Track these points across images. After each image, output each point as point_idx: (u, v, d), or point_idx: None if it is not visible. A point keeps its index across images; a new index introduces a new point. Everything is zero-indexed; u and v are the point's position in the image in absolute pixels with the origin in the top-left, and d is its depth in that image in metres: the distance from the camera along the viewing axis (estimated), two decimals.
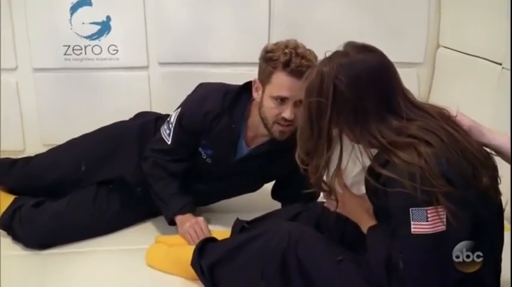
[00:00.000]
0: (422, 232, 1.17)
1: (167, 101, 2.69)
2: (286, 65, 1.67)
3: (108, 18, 2.61)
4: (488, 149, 1.32)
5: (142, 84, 2.73)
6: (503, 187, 1.31)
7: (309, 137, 1.32)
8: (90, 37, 2.62)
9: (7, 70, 2.62)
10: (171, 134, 1.88)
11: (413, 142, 1.20)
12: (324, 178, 1.37)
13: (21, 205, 1.94)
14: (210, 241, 1.68)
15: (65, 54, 2.62)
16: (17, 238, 1.90)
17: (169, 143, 1.88)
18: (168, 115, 2.06)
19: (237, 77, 2.65)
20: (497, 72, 2.19)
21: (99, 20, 2.61)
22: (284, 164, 1.88)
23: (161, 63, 2.72)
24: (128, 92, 2.72)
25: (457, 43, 2.56)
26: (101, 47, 2.64)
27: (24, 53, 2.61)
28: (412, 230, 1.18)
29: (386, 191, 1.21)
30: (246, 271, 1.51)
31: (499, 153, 1.35)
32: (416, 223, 1.18)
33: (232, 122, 1.85)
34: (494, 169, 1.28)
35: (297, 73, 1.66)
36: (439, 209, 1.16)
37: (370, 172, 1.26)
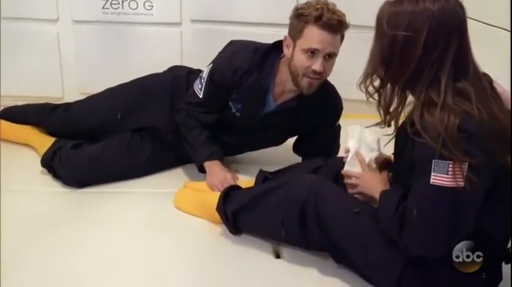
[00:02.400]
0: (441, 183, 1.17)
1: (198, 57, 2.69)
2: (318, 19, 1.67)
3: None
4: None
5: (175, 40, 2.72)
6: None
7: (388, 68, 1.27)
8: None
9: (49, 21, 2.65)
10: (203, 88, 1.88)
11: (458, 109, 1.17)
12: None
13: (61, 146, 1.98)
14: (235, 188, 1.70)
15: (103, 8, 2.62)
16: (56, 176, 1.95)
17: (201, 96, 1.89)
18: (199, 70, 2.06)
19: (266, 37, 2.63)
20: (507, 39, 2.13)
21: None
22: (308, 120, 1.91)
23: (193, 21, 2.70)
24: (161, 47, 2.72)
25: (479, 13, 2.49)
26: (137, 2, 2.63)
27: (65, 5, 2.62)
28: (432, 180, 1.18)
29: (414, 141, 1.20)
30: (268, 218, 1.55)
31: None
32: (437, 174, 1.17)
33: (261, 78, 1.84)
34: None
35: (328, 26, 1.67)
36: (462, 166, 1.16)
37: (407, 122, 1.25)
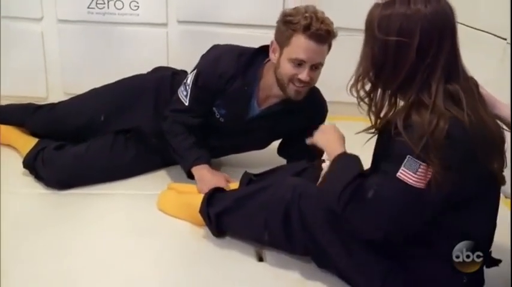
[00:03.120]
0: (406, 180, 1.17)
1: (184, 58, 2.67)
2: (306, 29, 1.64)
3: None
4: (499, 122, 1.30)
5: (161, 40, 2.71)
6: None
7: (380, 72, 1.25)
8: None
9: (33, 20, 2.62)
10: (188, 95, 1.85)
11: (448, 114, 1.15)
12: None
13: (44, 147, 1.95)
14: (219, 190, 1.68)
15: (88, 7, 2.60)
16: (38, 177, 1.92)
17: (186, 103, 1.86)
18: (184, 71, 2.04)
19: (252, 39, 2.61)
20: (502, 47, 2.15)
21: None
22: (293, 123, 1.90)
23: (180, 22, 2.69)
24: (146, 48, 2.70)
25: (465, 17, 2.50)
26: (122, 2, 2.61)
27: (49, 4, 2.59)
28: (399, 174, 1.17)
29: (395, 138, 1.19)
30: (251, 220, 1.53)
31: (508, 124, 1.32)
32: (406, 170, 1.17)
33: (246, 84, 1.82)
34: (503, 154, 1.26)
35: (316, 37, 1.65)
36: (429, 170, 1.15)
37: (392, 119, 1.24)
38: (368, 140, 1.37)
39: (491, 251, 1.34)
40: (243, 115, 1.89)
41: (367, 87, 1.29)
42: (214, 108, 1.89)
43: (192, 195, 1.73)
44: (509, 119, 1.31)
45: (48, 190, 1.88)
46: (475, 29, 2.31)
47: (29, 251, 1.54)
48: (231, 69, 1.81)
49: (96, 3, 2.59)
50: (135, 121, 2.00)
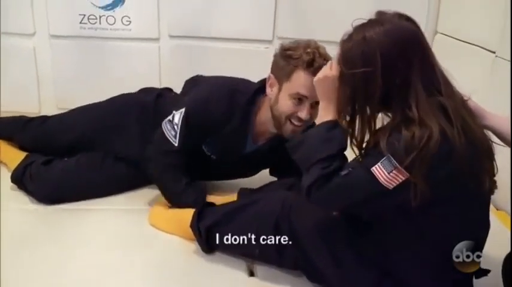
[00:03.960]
0: (376, 175, 1.18)
1: (176, 72, 2.69)
2: (309, 65, 1.57)
3: None
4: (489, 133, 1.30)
5: (153, 55, 2.71)
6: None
7: (355, 104, 1.26)
8: (105, 7, 2.59)
9: (25, 35, 2.61)
10: (178, 135, 1.74)
11: (437, 126, 1.15)
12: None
13: (32, 161, 1.94)
14: (209, 205, 1.68)
15: (80, 22, 2.60)
16: (28, 192, 1.90)
17: (176, 144, 1.74)
18: (168, 89, 2.02)
19: (244, 53, 2.67)
20: (490, 60, 2.17)
21: None
22: (284, 153, 1.82)
23: (172, 36, 2.69)
24: (138, 62, 2.71)
25: (454, 30, 2.52)
26: (114, 18, 2.61)
27: (41, 20, 2.59)
28: (372, 168, 1.18)
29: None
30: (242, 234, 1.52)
31: (498, 135, 1.33)
32: (381, 167, 1.17)
33: (241, 123, 1.74)
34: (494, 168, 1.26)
35: None
36: (403, 175, 1.15)
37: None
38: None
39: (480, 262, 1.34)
40: (236, 152, 1.82)
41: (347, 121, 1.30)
42: (204, 147, 1.83)
43: (183, 210, 1.72)
44: (499, 130, 1.32)
45: (37, 205, 1.86)
46: (464, 42, 2.33)
47: (18, 267, 1.53)
48: (225, 110, 1.72)
49: (88, 19, 2.59)
50: (121, 149, 1.96)
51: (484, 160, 1.23)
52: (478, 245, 1.29)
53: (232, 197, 1.81)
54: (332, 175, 1.22)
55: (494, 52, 2.16)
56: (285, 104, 1.63)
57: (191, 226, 1.61)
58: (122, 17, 2.62)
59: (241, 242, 1.54)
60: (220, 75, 1.87)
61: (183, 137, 1.74)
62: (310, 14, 2.31)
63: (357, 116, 1.27)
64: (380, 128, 1.26)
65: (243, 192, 1.82)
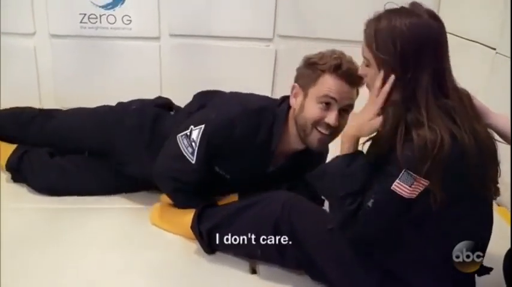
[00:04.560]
0: (399, 193, 1.18)
1: (176, 71, 2.70)
2: (337, 68, 1.52)
3: None
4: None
5: (154, 54, 2.70)
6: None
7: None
8: (105, 7, 2.59)
9: (25, 35, 2.61)
10: (196, 152, 1.63)
11: (446, 133, 1.15)
12: None
13: (26, 150, 1.95)
14: (210, 206, 1.67)
15: (80, 22, 2.59)
16: (24, 181, 1.91)
17: (193, 162, 1.64)
18: (166, 104, 1.94)
19: (245, 51, 2.66)
20: (491, 57, 2.16)
21: None
22: (297, 172, 1.71)
23: (172, 35, 2.69)
24: (139, 61, 2.70)
25: (455, 27, 2.51)
26: (115, 17, 2.61)
27: (42, 19, 2.58)
28: (393, 186, 1.18)
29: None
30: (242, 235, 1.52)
31: (501, 134, 1.33)
32: (401, 183, 1.17)
33: (267, 140, 1.64)
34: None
35: (347, 76, 1.52)
36: (424, 183, 1.16)
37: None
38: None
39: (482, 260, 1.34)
40: (257, 172, 1.71)
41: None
42: (216, 167, 1.71)
43: (185, 210, 1.72)
44: (502, 129, 1.32)
45: (36, 204, 1.86)
46: (465, 38, 2.33)
47: (18, 268, 1.52)
48: (251, 130, 1.62)
49: (89, 18, 2.59)
50: (119, 160, 1.92)
51: (489, 163, 1.23)
52: (480, 245, 1.29)
53: (233, 197, 1.80)
54: (358, 210, 1.23)
55: (494, 49, 2.15)
56: (312, 110, 1.55)
57: (192, 228, 1.61)
58: (123, 16, 2.61)
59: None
60: (237, 91, 1.79)
61: (201, 155, 1.63)
62: (311, 12, 2.30)
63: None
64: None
65: (243, 194, 1.80)
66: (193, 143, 1.63)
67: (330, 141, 1.61)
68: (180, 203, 1.75)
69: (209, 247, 1.60)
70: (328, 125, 1.55)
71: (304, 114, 1.57)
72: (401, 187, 1.17)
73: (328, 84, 1.53)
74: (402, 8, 1.23)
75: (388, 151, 1.22)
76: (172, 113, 1.92)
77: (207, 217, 1.61)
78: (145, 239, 1.71)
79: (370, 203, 1.21)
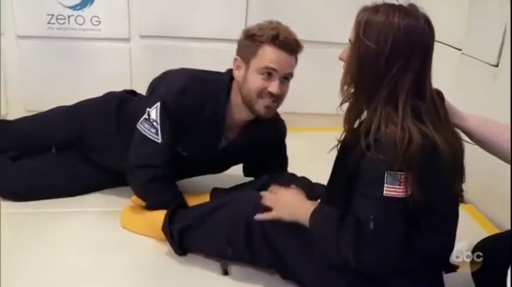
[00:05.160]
0: (395, 195, 1.16)
1: (147, 73, 2.63)
2: (275, 38, 1.58)
3: None
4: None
5: (124, 56, 2.68)
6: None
7: (360, 74, 1.24)
8: (74, 7, 2.56)
9: None
10: (159, 131, 1.66)
11: (418, 130, 1.16)
12: None
13: None
14: (181, 206, 1.66)
15: (48, 23, 2.55)
16: None
17: (160, 141, 1.66)
18: (130, 92, 1.98)
19: (216, 52, 2.66)
20: (457, 57, 2.20)
21: None
22: (257, 149, 1.82)
23: (142, 36, 2.67)
24: (109, 63, 2.67)
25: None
26: (84, 18, 2.58)
27: (8, 20, 2.53)
28: (385, 192, 1.16)
29: (364, 153, 1.19)
30: (214, 236, 1.52)
31: (469, 134, 1.36)
32: (390, 186, 1.16)
33: (215, 112, 1.70)
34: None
35: (285, 45, 1.59)
36: (408, 175, 1.16)
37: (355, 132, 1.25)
38: (331, 149, 1.39)
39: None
40: (211, 147, 1.76)
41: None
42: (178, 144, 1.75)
43: (155, 212, 1.70)
44: (471, 129, 1.35)
45: (7, 210, 1.81)
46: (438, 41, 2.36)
47: None
48: (199, 99, 1.68)
49: (57, 19, 2.55)
50: (90, 153, 1.93)
51: (457, 166, 1.26)
52: (452, 243, 1.32)
53: (205, 197, 1.80)
54: (365, 238, 1.20)
55: (460, 49, 2.19)
56: (255, 81, 1.62)
57: (163, 229, 1.60)
58: (92, 17, 2.58)
59: (213, 243, 1.54)
60: (186, 67, 1.81)
61: (165, 130, 1.66)
62: (281, 13, 2.28)
63: (358, 89, 1.26)
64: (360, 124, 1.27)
65: (215, 193, 1.81)
66: (154, 123, 1.66)
67: (276, 107, 1.69)
68: (152, 200, 1.71)
69: (180, 248, 1.59)
70: (271, 94, 1.62)
71: (247, 85, 1.64)
72: (393, 189, 1.16)
73: (268, 55, 1.59)
74: (401, 6, 1.25)
75: (355, 164, 1.22)
76: (136, 98, 1.96)
77: (178, 218, 1.60)
78: (116, 242, 1.69)
79: (371, 225, 1.18)
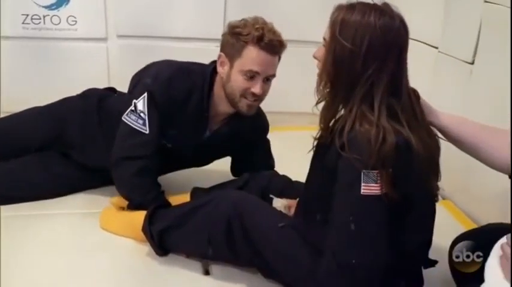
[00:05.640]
0: (372, 193, 1.16)
1: (125, 72, 2.60)
2: (259, 40, 1.59)
3: None
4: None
5: (101, 55, 2.65)
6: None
7: (336, 74, 1.24)
8: (49, 7, 2.51)
9: None
10: (147, 121, 1.66)
11: (393, 129, 1.17)
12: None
13: None
14: (161, 207, 1.65)
15: (23, 23, 2.50)
16: None
17: (147, 132, 1.66)
18: (110, 89, 1.98)
19: (194, 52, 2.64)
20: (433, 55, 2.23)
21: None
22: (239, 142, 1.85)
23: (120, 36, 2.64)
24: (86, 63, 2.64)
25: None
26: (59, 18, 2.53)
27: None
28: (362, 191, 1.16)
29: (339, 154, 1.19)
30: (194, 236, 1.52)
31: (444, 133, 1.37)
32: (366, 184, 1.16)
33: (199, 103, 1.71)
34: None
35: (269, 48, 1.61)
36: (383, 173, 1.16)
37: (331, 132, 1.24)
38: (310, 150, 1.39)
39: (428, 253, 1.38)
40: (196, 138, 1.77)
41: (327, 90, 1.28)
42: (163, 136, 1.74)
43: (135, 212, 1.69)
44: (445, 127, 1.36)
45: None
46: (413, 39, 2.38)
47: None
48: (185, 89, 1.69)
49: (32, 19, 2.50)
50: (69, 151, 1.91)
51: (432, 165, 1.27)
52: (430, 239, 1.33)
53: (186, 196, 1.79)
54: (347, 240, 1.19)
55: (436, 47, 2.22)
56: (238, 81, 1.64)
57: (143, 230, 1.59)
58: (67, 17, 2.54)
59: (194, 243, 1.53)
60: (169, 59, 1.81)
61: (153, 122, 1.66)
62: (259, 11, 2.28)
63: (334, 89, 1.26)
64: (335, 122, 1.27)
65: (196, 192, 1.80)
66: (141, 114, 1.66)
67: (258, 105, 1.73)
68: (136, 197, 1.69)
69: (161, 248, 1.58)
70: (254, 94, 1.65)
71: (231, 84, 1.66)
72: (370, 187, 1.16)
73: (252, 57, 1.61)
74: (376, 5, 1.25)
75: (333, 163, 1.22)
76: (115, 94, 1.95)
77: (158, 218, 1.59)
78: (96, 243, 1.68)
79: (352, 226, 1.17)
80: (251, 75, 1.63)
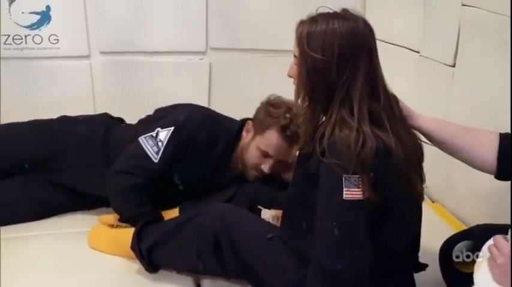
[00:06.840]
0: (354, 197, 1.16)
1: (109, 89, 2.64)
2: (284, 129, 1.69)
3: (48, 8, 2.49)
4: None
5: (84, 73, 2.62)
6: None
7: (314, 87, 1.24)
8: (30, 27, 2.49)
9: None
10: (161, 152, 1.68)
11: (373, 133, 1.17)
12: None
13: None
14: (150, 223, 1.63)
15: (4, 43, 2.48)
16: None
17: (156, 161, 1.68)
18: (120, 119, 1.97)
19: (177, 66, 2.64)
20: (415, 59, 2.24)
21: (39, 10, 2.49)
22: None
23: (102, 52, 2.62)
24: (70, 81, 2.61)
25: (380, 33, 2.59)
26: (41, 37, 2.51)
27: None
28: (345, 196, 1.16)
29: (320, 160, 1.19)
30: (183, 251, 1.51)
31: (426, 136, 1.38)
32: (348, 189, 1.16)
33: (224, 154, 1.81)
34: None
35: (289, 139, 1.70)
36: (364, 177, 1.16)
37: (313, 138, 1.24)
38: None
39: (418, 257, 1.38)
40: (212, 183, 1.83)
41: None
42: (175, 176, 1.78)
43: (123, 230, 1.67)
44: (426, 130, 1.37)
45: None
46: (389, 43, 2.41)
47: None
48: (212, 138, 1.77)
49: (13, 39, 2.49)
50: (58, 173, 1.87)
51: (416, 164, 1.28)
52: (417, 243, 1.33)
53: (174, 212, 1.78)
54: (331, 246, 1.19)
55: (418, 52, 2.23)
56: (253, 154, 1.76)
57: (132, 248, 1.58)
58: (49, 36, 2.52)
59: (183, 258, 1.52)
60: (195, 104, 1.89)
61: (165, 155, 1.69)
62: (240, 23, 2.31)
63: (313, 101, 1.26)
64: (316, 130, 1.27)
65: (184, 207, 1.79)
66: (159, 143, 1.69)
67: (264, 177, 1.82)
68: (130, 210, 1.67)
69: (150, 265, 1.57)
70: (263, 171, 1.77)
71: (246, 155, 1.78)
72: (352, 192, 1.16)
73: (271, 141, 1.72)
74: (336, 12, 1.25)
75: (315, 170, 1.22)
76: (123, 125, 1.95)
77: (147, 234, 1.58)
78: (85, 262, 1.66)
79: (336, 231, 1.17)
80: (265, 155, 1.74)
